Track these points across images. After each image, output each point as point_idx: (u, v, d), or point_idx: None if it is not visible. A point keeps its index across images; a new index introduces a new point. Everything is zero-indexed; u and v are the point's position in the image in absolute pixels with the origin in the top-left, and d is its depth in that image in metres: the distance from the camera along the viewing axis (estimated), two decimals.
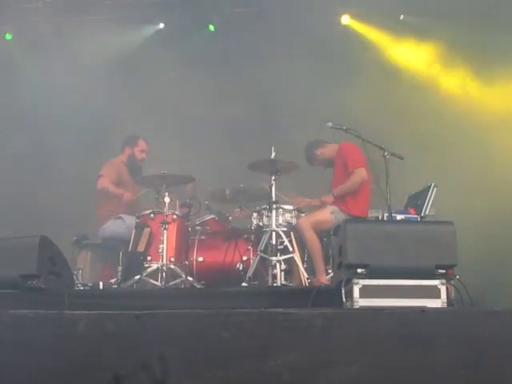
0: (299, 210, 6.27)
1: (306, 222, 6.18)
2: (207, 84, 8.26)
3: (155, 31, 8.91)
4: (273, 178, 6.12)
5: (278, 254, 5.94)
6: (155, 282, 5.93)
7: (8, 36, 8.83)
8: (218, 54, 8.78)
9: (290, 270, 6.02)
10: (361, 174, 6.37)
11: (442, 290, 4.05)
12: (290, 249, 5.97)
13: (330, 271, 6.14)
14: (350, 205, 6.39)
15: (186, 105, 8.44)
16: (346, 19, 8.75)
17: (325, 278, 6.06)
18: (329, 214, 6.34)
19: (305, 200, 6.65)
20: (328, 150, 6.75)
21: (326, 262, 6.30)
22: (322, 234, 6.35)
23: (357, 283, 4.04)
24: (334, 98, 7.99)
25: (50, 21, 8.41)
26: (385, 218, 6.14)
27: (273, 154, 6.13)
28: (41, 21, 8.36)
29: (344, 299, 4.19)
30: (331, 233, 6.38)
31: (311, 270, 6.12)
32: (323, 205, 6.45)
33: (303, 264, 6.07)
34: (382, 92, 8.29)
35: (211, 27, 8.89)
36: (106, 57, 8.48)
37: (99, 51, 8.35)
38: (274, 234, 6.01)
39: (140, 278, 5.91)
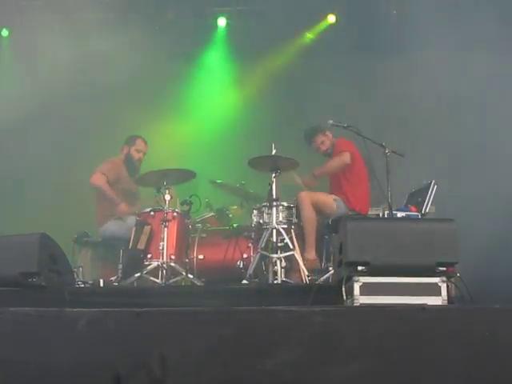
0: None
1: (308, 196, 6.26)
2: (207, 79, 8.27)
3: (156, 27, 8.88)
4: (273, 175, 6.12)
5: (279, 252, 5.94)
6: (155, 280, 5.92)
7: (4, 32, 8.80)
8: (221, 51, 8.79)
9: (291, 267, 6.02)
10: (343, 157, 6.46)
11: (442, 288, 4.03)
12: (291, 246, 5.96)
13: (330, 269, 6.14)
14: (351, 199, 6.45)
15: (185, 100, 8.45)
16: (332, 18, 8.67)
17: (313, 255, 6.10)
18: (331, 200, 6.44)
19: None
20: (328, 144, 6.80)
21: (327, 260, 6.32)
22: (322, 223, 6.34)
23: (357, 281, 4.02)
24: (335, 97, 7.98)
25: (48, 17, 8.38)
26: (385, 216, 6.14)
27: (273, 151, 6.14)
28: (39, 17, 8.33)
29: (344, 297, 4.18)
30: (330, 222, 6.36)
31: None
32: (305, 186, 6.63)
33: (304, 261, 6.07)
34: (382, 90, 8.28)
35: (222, 21, 8.85)
36: (105, 54, 8.45)
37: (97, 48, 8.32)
38: (274, 231, 6.01)
39: (140, 276, 5.91)
